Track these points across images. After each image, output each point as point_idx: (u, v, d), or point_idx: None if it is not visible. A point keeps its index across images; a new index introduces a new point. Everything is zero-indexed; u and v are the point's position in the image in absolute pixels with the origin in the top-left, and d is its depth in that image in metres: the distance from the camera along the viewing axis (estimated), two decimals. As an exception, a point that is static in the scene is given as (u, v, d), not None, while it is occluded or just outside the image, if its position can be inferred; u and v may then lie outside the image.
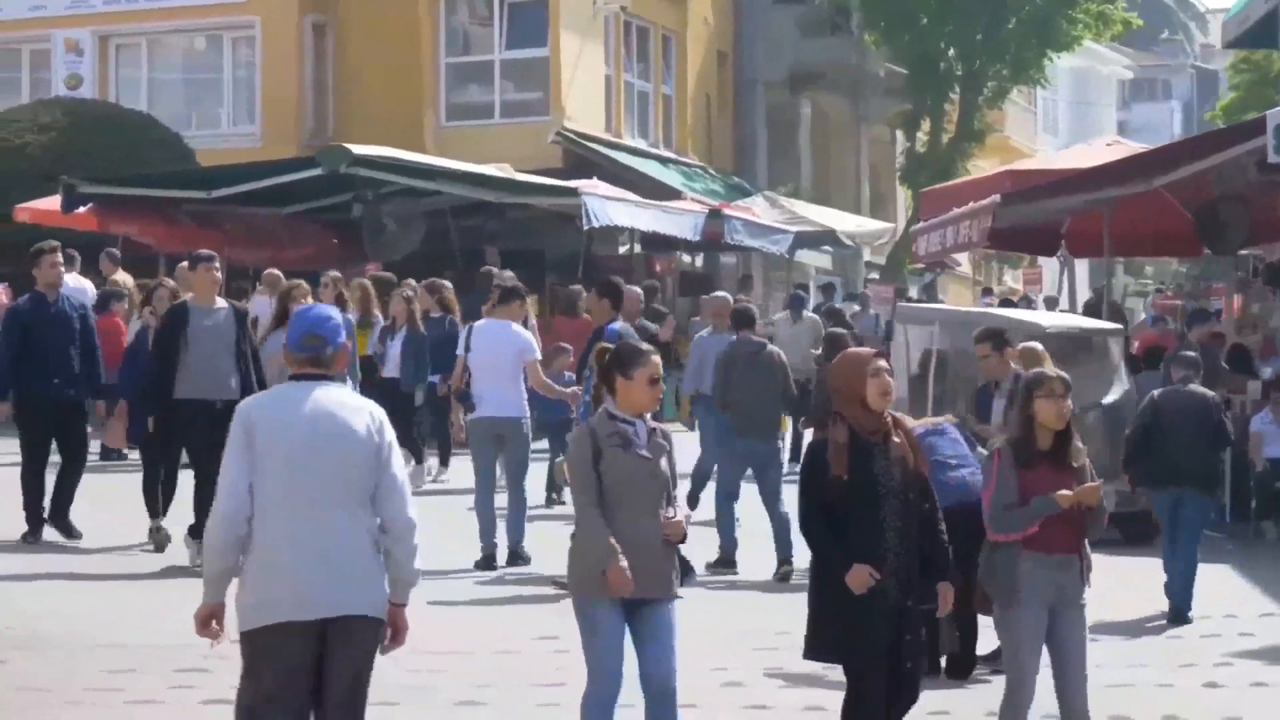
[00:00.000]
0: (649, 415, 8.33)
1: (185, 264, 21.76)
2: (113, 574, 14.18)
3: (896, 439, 8.25)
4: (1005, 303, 42.44)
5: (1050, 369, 9.20)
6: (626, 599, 8.08)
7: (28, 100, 34.80)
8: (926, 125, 42.56)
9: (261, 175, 27.27)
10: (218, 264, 14.84)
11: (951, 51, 41.60)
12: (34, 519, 15.41)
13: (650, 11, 38.79)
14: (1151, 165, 21.32)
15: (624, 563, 7.99)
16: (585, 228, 26.69)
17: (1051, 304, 36.62)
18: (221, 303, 14.67)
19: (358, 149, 26.61)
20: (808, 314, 24.47)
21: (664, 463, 8.27)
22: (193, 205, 27.94)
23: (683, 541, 8.33)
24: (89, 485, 16.07)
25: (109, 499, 16.67)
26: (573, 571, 8.32)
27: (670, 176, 36.66)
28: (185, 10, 36.74)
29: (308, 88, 36.44)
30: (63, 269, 15.92)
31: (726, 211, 31.56)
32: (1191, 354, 15.64)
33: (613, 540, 8.04)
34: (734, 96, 42.72)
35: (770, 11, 42.84)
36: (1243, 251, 27.28)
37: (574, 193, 26.80)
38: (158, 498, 15.22)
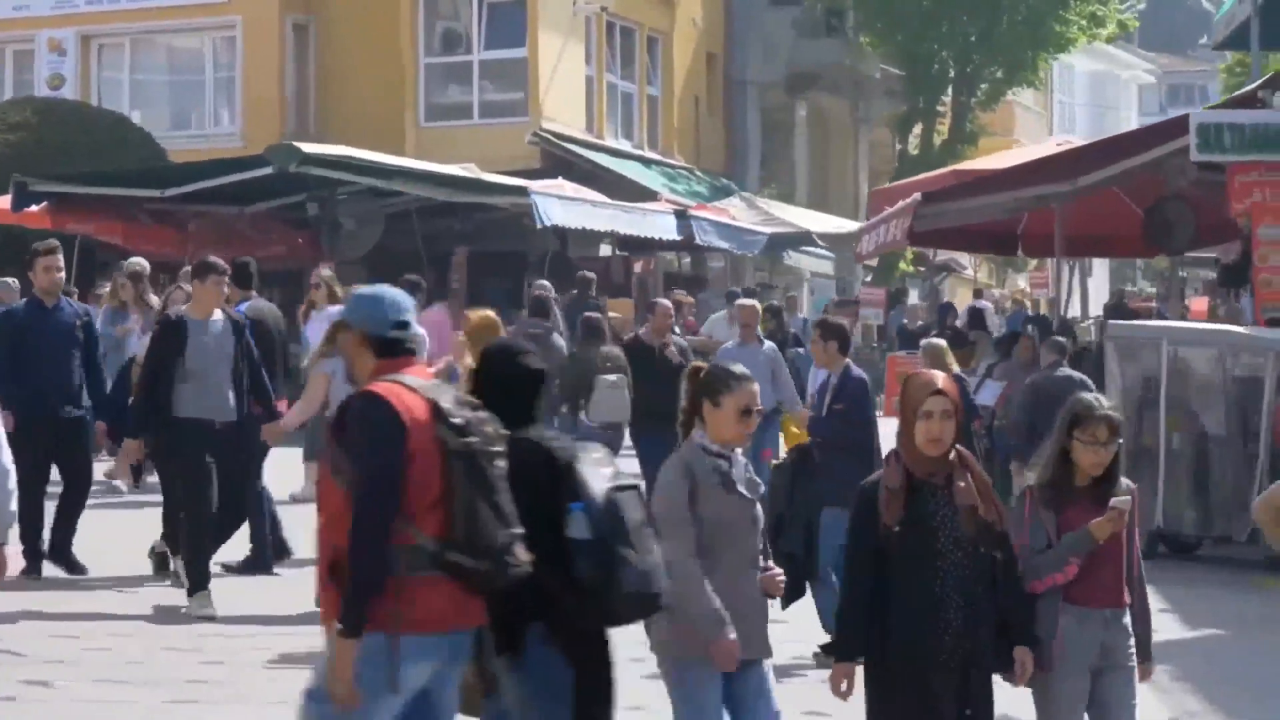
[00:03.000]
0: (739, 450, 7.31)
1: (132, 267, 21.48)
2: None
3: (962, 483, 7.07)
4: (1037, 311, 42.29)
5: (1099, 404, 7.65)
6: None
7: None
8: (919, 128, 42.39)
9: (215, 173, 27.18)
10: (227, 278, 13.33)
11: (945, 53, 41.42)
12: (32, 554, 13.43)
13: (635, 12, 38.67)
14: (1075, 164, 21.16)
15: (733, 634, 6.97)
16: (538, 227, 26.63)
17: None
18: (217, 314, 13.05)
19: (308, 147, 26.56)
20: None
21: (759, 505, 7.25)
22: (154, 204, 27.89)
23: (776, 597, 7.34)
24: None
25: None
26: (659, 627, 7.01)
27: (651, 178, 36.54)
28: (167, 10, 36.74)
29: (289, 88, 36.46)
30: (61, 274, 14.14)
31: (695, 213, 31.43)
32: (1060, 339, 15.64)
33: (719, 606, 6.96)
34: (725, 98, 42.57)
35: (763, 13, 42.66)
36: (1201, 253, 27.03)
37: (524, 191, 26.70)
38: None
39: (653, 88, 39.74)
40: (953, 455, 7.10)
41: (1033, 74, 42.19)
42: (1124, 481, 7.51)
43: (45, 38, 37.17)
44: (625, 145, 37.97)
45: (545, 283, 20.29)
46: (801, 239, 35.25)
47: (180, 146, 33.21)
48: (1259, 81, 20.70)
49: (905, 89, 42.32)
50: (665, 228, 29.65)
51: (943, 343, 17.92)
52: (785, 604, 11.71)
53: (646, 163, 37.76)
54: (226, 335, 12.92)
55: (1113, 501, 7.29)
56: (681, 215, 30.49)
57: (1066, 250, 25.44)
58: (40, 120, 31.22)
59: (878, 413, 23.98)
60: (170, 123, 36.46)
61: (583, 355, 16.79)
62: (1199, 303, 29.84)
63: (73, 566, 13.94)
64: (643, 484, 6.57)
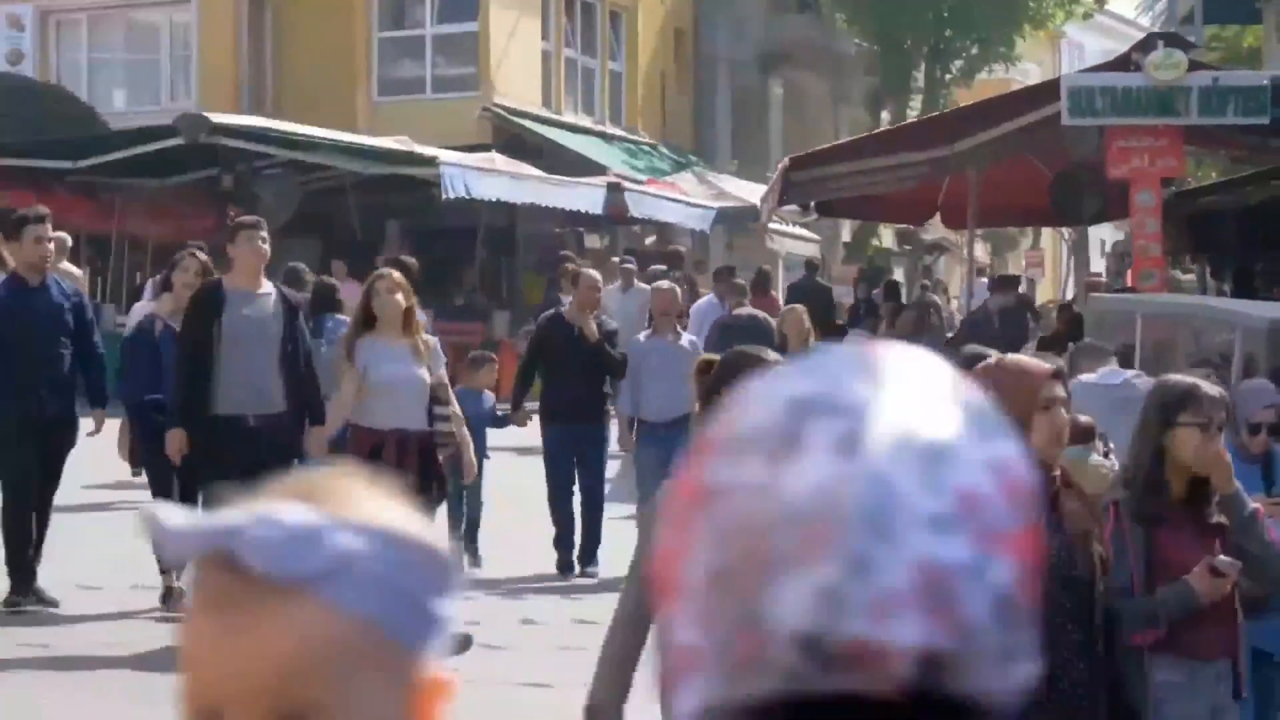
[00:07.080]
0: None
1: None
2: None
3: (1070, 504, 5.51)
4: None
5: (1204, 383, 6.28)
6: None
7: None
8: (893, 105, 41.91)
9: (126, 144, 27.04)
10: (264, 233, 11.37)
11: (917, 30, 40.91)
12: (23, 574, 11.65)
13: (596, -13, 38.37)
14: (952, 128, 20.77)
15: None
16: (444, 198, 26.42)
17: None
18: (267, 285, 11.25)
19: (217, 117, 26.41)
20: (639, 284, 23.97)
21: None
22: (75, 176, 27.74)
23: None
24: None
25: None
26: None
27: (610, 154, 36.12)
28: (125, -15, 36.78)
29: (245, 63, 36.28)
30: (51, 245, 12.29)
31: (632, 187, 31.03)
32: (739, 282, 15.78)
33: (607, 697, 5.36)
34: (694, 75, 42.15)
35: (733, -12, 42.23)
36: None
37: (435, 163, 26.47)
38: None
39: (616, 63, 39.37)
40: (1056, 470, 5.52)
41: (1008, 50, 41.52)
42: (1239, 491, 6.14)
43: (4, 13, 37.12)
44: (585, 121, 37.62)
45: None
46: (751, 214, 34.81)
47: (136, 123, 32.98)
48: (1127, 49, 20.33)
49: (877, 66, 41.82)
50: (592, 201, 29.31)
51: (801, 307, 17.81)
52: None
53: (607, 138, 37.39)
54: (276, 313, 11.06)
55: (1217, 561, 5.90)
56: (615, 189, 30.12)
57: (981, 220, 25.11)
58: (-18, 93, 31.15)
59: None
60: (127, 99, 36.42)
61: None
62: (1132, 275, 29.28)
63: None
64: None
